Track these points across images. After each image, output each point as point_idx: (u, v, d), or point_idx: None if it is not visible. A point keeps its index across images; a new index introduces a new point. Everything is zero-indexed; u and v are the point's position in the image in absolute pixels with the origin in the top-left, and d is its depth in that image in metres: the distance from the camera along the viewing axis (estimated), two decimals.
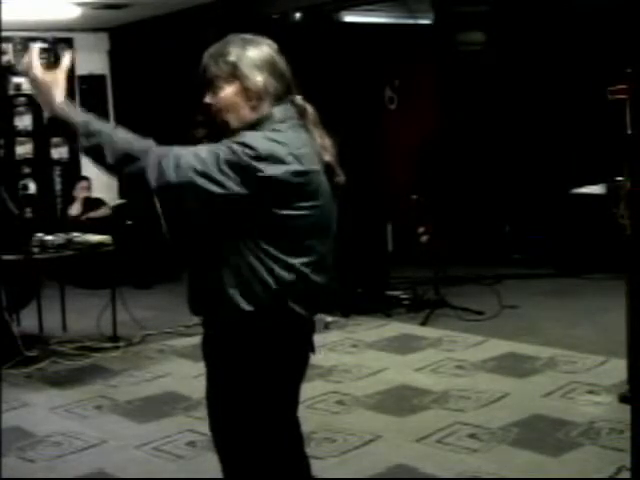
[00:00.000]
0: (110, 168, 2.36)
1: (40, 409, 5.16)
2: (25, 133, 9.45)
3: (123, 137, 2.35)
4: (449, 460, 4.17)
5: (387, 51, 9.17)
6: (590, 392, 5.05)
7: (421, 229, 7.66)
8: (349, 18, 8.70)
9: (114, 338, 6.49)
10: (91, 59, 9.75)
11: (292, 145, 2.35)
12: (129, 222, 8.38)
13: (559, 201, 8.26)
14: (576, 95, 8.45)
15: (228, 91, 2.44)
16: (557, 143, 8.84)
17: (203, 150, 2.30)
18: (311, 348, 2.60)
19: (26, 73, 2.48)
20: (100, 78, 9.83)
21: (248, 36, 2.50)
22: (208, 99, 2.48)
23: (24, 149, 9.45)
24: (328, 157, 2.47)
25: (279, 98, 2.45)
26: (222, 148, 2.29)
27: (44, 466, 4.30)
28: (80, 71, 9.71)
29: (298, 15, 7.78)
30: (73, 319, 7.05)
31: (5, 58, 9.25)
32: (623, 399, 4.69)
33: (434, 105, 9.68)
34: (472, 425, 4.59)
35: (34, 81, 2.45)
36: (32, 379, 5.74)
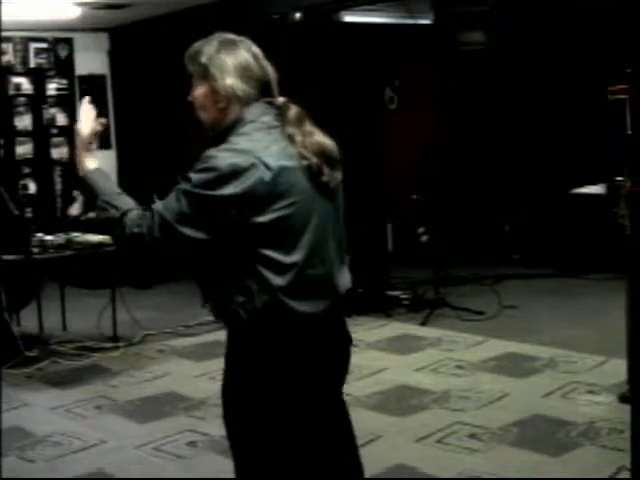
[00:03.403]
0: (114, 239, 2.45)
1: (40, 409, 5.16)
2: (25, 133, 9.45)
3: (130, 216, 2.40)
4: (449, 460, 4.17)
5: (387, 51, 9.17)
6: (590, 392, 5.05)
7: (421, 229, 7.67)
8: (349, 18, 8.71)
9: (114, 338, 6.49)
10: (91, 59, 9.76)
11: (257, 147, 2.36)
12: None
13: (559, 201, 8.25)
14: (576, 95, 8.45)
15: (200, 91, 2.49)
16: (557, 143, 8.83)
17: (173, 198, 2.36)
18: (339, 345, 2.55)
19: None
20: (100, 78, 9.84)
21: (229, 37, 2.51)
22: (190, 96, 2.54)
23: (24, 149, 9.44)
24: (306, 161, 2.43)
25: (250, 101, 2.46)
26: (185, 188, 2.35)
27: (44, 466, 4.30)
28: (80, 71, 9.72)
29: (298, 15, 7.78)
30: (73, 319, 7.05)
31: (5, 58, 9.25)
32: (623, 399, 4.69)
33: (434, 105, 9.67)
34: (472, 425, 4.59)
35: (78, 136, 2.54)
36: (32, 379, 5.74)
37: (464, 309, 7.08)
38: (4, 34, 8.33)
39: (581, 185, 5.71)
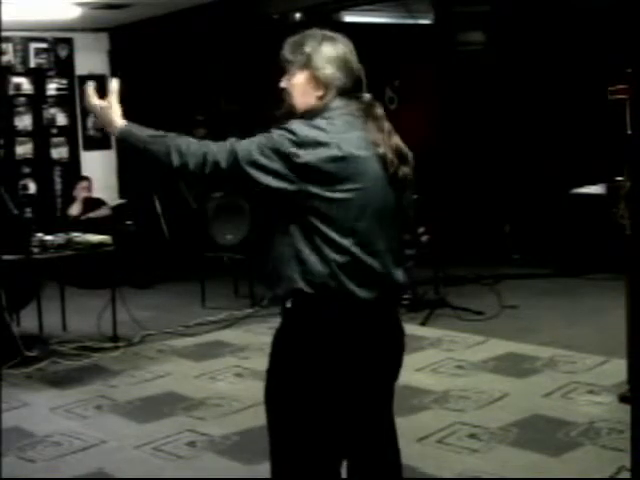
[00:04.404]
0: (174, 170, 2.52)
1: (40, 409, 5.16)
2: (25, 133, 9.46)
3: (177, 139, 2.57)
4: (449, 460, 4.17)
5: (387, 51, 9.17)
6: (590, 392, 5.05)
7: (421, 229, 7.66)
8: (349, 18, 8.71)
9: (114, 338, 6.48)
10: (91, 59, 9.76)
11: (334, 130, 2.50)
12: (129, 222, 8.39)
13: (559, 201, 8.26)
14: (576, 95, 8.45)
15: (300, 78, 2.63)
16: (557, 143, 8.83)
17: (249, 140, 2.49)
18: (389, 336, 2.63)
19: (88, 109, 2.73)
20: (100, 78, 9.82)
21: (328, 32, 2.69)
22: (283, 83, 2.66)
23: (24, 149, 9.45)
24: (382, 149, 2.58)
25: (345, 92, 2.61)
26: (266, 135, 2.49)
27: (44, 466, 4.30)
28: (80, 71, 9.72)
29: (298, 15, 7.79)
30: (73, 319, 7.05)
31: (5, 58, 9.25)
32: (623, 399, 4.69)
33: (434, 105, 9.68)
34: (472, 425, 4.59)
35: (93, 110, 2.70)
36: (32, 379, 5.74)
37: (464, 309, 7.08)
38: (4, 34, 8.33)
39: (581, 185, 5.72)
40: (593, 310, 7.01)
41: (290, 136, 2.45)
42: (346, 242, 2.49)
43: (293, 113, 2.62)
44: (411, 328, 6.72)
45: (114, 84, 2.68)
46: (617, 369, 5.14)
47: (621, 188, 4.70)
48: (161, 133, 2.57)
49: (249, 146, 2.46)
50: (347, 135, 2.51)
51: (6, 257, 5.85)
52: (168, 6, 8.31)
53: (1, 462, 4.23)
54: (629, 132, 4.14)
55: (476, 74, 9.22)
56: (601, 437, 4.35)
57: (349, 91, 2.62)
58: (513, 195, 9.21)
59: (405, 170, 2.61)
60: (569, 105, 8.60)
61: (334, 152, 2.45)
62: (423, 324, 6.81)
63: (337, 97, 2.60)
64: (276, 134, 2.47)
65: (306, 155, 2.43)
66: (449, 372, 5.59)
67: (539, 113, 8.92)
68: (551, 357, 5.77)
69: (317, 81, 2.60)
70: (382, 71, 9.43)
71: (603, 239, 7.10)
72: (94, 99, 2.68)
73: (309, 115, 2.57)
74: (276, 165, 2.43)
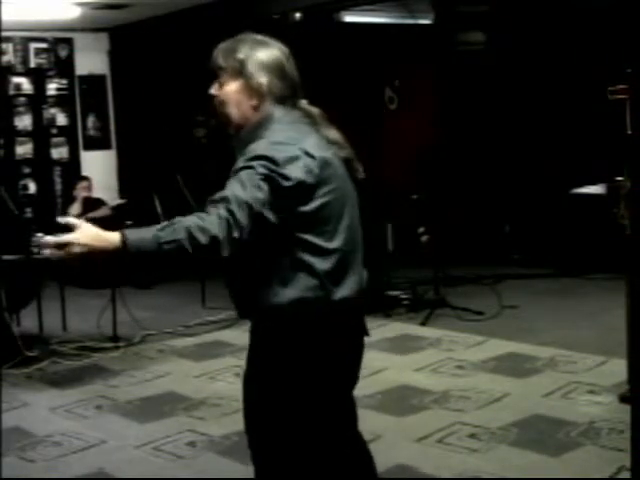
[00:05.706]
0: (205, 248, 2.25)
1: (40, 409, 5.16)
2: (25, 133, 9.46)
3: (187, 221, 2.26)
4: (449, 460, 4.17)
5: (387, 51, 9.18)
6: (590, 392, 5.05)
7: (421, 229, 7.66)
8: (349, 18, 8.73)
9: (114, 338, 6.49)
10: (91, 59, 9.77)
11: (296, 138, 2.43)
12: (129, 222, 8.38)
13: (559, 201, 8.26)
14: (576, 95, 8.45)
15: (232, 87, 2.52)
16: (557, 143, 8.83)
17: (243, 185, 2.30)
18: (365, 332, 2.66)
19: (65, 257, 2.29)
20: (100, 78, 9.84)
21: (260, 37, 2.57)
22: (213, 90, 2.57)
23: (24, 149, 9.45)
24: (344, 153, 2.56)
25: (283, 99, 2.51)
26: (248, 173, 2.32)
27: (44, 466, 4.30)
28: (80, 71, 9.73)
29: (298, 15, 7.79)
30: (73, 319, 7.05)
31: (5, 58, 9.25)
32: (623, 399, 4.69)
33: (434, 105, 9.68)
34: (472, 425, 4.59)
35: (83, 253, 2.26)
36: (32, 379, 5.74)
37: (464, 309, 7.07)
38: (4, 34, 8.33)
39: (581, 185, 5.71)
40: (593, 310, 7.01)
41: (269, 163, 2.32)
42: (333, 245, 2.45)
43: (229, 123, 2.52)
44: (411, 328, 6.74)
45: (75, 220, 2.29)
46: (617, 369, 5.14)
47: (621, 188, 4.70)
48: (165, 223, 2.26)
49: (249, 191, 2.28)
50: (308, 141, 2.44)
51: (6, 257, 5.85)
52: (168, 6, 8.31)
53: (1, 462, 4.24)
54: (629, 132, 4.14)
55: (476, 74, 9.22)
56: (601, 437, 4.35)
57: (286, 98, 2.51)
58: (513, 195, 9.21)
59: (361, 170, 2.60)
60: (569, 105, 8.60)
61: (308, 161, 2.39)
62: (423, 324, 6.81)
63: (275, 106, 2.49)
64: (258, 168, 2.31)
65: (291, 174, 2.34)
66: (449, 372, 5.59)
67: (539, 113, 8.91)
68: (551, 357, 5.77)
69: (251, 90, 2.48)
70: (382, 71, 9.44)
71: (603, 239, 7.10)
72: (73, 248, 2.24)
73: (253, 129, 2.47)
74: (273, 197, 2.31)
